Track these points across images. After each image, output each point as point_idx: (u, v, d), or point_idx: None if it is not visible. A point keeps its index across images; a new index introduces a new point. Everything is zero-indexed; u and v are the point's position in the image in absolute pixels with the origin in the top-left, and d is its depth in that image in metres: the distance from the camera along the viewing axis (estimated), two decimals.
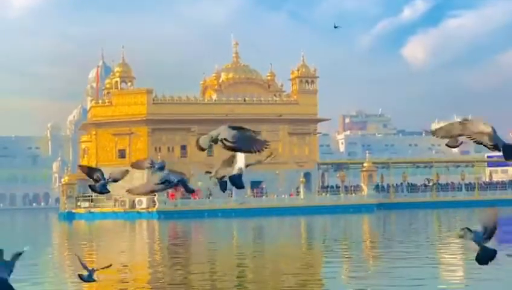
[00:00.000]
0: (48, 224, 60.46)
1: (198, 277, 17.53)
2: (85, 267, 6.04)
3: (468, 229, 3.97)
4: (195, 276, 17.80)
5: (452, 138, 4.01)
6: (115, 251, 27.37)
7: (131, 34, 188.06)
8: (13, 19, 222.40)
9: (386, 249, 24.10)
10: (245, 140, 3.88)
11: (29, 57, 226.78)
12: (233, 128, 3.86)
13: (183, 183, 4.39)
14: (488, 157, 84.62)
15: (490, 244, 4.00)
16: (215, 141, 3.90)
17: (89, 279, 6.04)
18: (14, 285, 4.22)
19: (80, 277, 6.08)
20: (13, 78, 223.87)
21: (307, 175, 66.35)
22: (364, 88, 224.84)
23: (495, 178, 76.35)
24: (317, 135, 74.49)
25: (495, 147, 3.79)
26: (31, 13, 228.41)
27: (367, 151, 72.25)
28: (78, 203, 63.25)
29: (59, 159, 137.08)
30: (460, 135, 3.91)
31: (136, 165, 4.75)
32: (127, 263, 21.17)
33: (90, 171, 4.95)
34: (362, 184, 65.10)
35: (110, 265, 6.45)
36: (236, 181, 4.12)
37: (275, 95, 72.17)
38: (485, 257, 3.99)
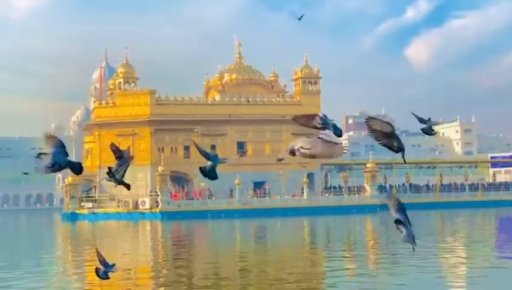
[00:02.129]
0: (51, 225, 60.51)
1: (202, 277, 17.54)
2: (103, 263, 6.10)
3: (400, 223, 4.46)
4: (199, 276, 17.81)
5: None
6: (118, 251, 27.37)
7: (134, 34, 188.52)
8: (16, 20, 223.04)
9: (389, 250, 24.07)
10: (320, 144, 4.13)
11: (32, 58, 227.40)
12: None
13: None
14: (492, 158, 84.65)
15: None
16: (292, 152, 4.15)
17: (104, 276, 6.12)
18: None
19: (97, 272, 6.17)
20: (16, 79, 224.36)
21: (310, 176, 66.32)
22: (367, 88, 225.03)
23: (498, 179, 76.25)
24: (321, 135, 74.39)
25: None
26: (34, 14, 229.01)
27: (370, 152, 72.10)
28: (82, 204, 63.32)
29: None
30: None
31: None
32: (130, 263, 21.19)
33: None
34: (365, 185, 65.02)
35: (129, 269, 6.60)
36: (207, 172, 4.43)
37: (278, 96, 72.18)
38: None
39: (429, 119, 4.89)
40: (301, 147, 4.11)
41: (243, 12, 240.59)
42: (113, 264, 6.05)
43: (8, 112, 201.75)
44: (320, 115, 4.04)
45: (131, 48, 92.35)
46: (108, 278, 6.06)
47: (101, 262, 5.95)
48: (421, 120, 4.88)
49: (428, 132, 4.88)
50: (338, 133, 4.04)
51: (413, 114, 4.94)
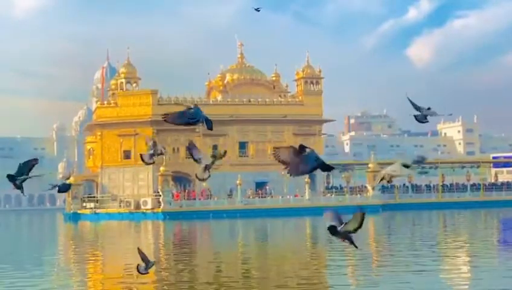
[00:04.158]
0: (53, 225, 60.56)
1: (204, 277, 17.56)
2: (144, 260, 6.55)
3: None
4: (200, 277, 17.83)
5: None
6: (120, 251, 27.40)
7: (136, 34, 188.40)
8: (18, 20, 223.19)
9: (391, 250, 24.08)
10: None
11: (34, 58, 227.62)
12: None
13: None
14: (494, 158, 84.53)
15: None
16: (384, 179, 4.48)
17: (144, 271, 6.55)
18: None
19: (137, 268, 6.62)
20: (18, 79, 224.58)
21: (312, 176, 66.25)
22: (369, 89, 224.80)
23: (500, 179, 76.13)
24: (323, 135, 74.45)
25: None
26: (36, 14, 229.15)
27: (372, 152, 72.05)
28: (84, 204, 63.35)
29: (64, 160, 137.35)
30: None
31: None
32: (132, 263, 21.19)
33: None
34: (367, 185, 64.99)
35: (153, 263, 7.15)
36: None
37: (280, 96, 72.18)
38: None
39: (429, 108, 4.89)
40: (392, 171, 4.50)
41: (245, 12, 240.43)
42: (153, 262, 6.58)
43: (9, 112, 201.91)
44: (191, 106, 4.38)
45: (133, 48, 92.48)
46: (147, 273, 6.53)
47: (143, 259, 6.42)
48: (417, 108, 4.88)
49: (422, 119, 4.90)
50: (209, 126, 4.35)
51: (409, 99, 4.96)
